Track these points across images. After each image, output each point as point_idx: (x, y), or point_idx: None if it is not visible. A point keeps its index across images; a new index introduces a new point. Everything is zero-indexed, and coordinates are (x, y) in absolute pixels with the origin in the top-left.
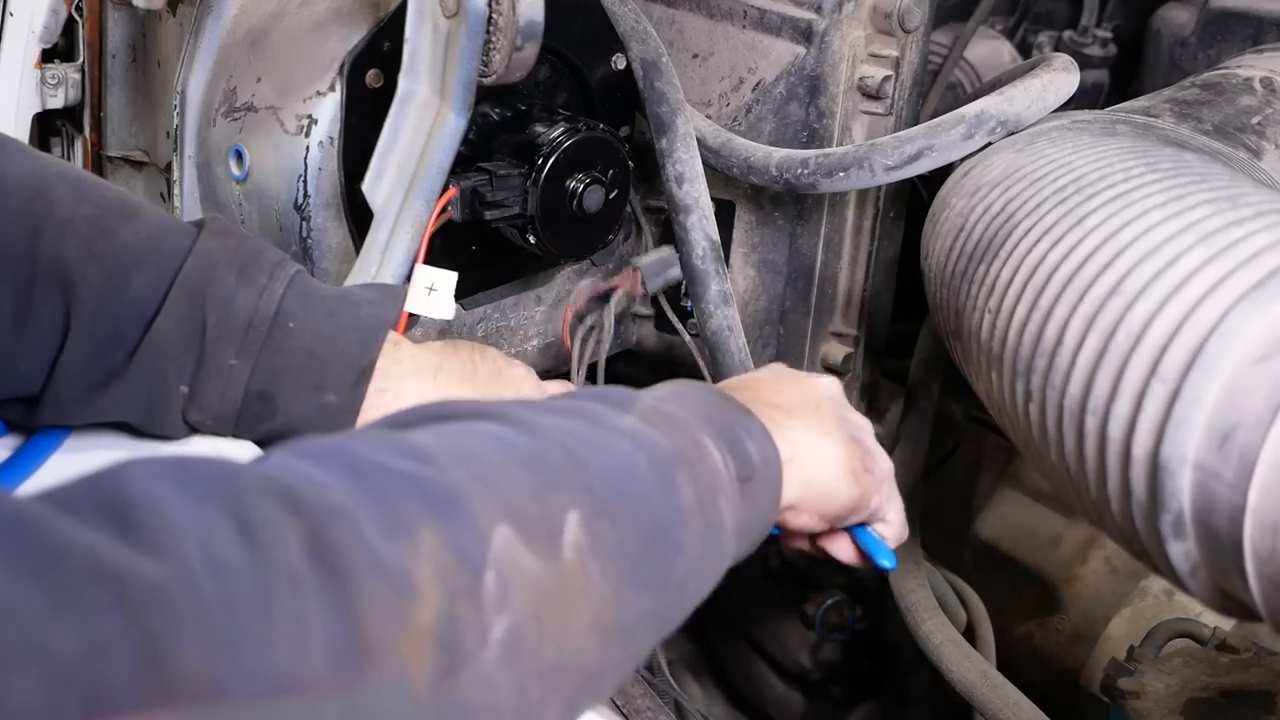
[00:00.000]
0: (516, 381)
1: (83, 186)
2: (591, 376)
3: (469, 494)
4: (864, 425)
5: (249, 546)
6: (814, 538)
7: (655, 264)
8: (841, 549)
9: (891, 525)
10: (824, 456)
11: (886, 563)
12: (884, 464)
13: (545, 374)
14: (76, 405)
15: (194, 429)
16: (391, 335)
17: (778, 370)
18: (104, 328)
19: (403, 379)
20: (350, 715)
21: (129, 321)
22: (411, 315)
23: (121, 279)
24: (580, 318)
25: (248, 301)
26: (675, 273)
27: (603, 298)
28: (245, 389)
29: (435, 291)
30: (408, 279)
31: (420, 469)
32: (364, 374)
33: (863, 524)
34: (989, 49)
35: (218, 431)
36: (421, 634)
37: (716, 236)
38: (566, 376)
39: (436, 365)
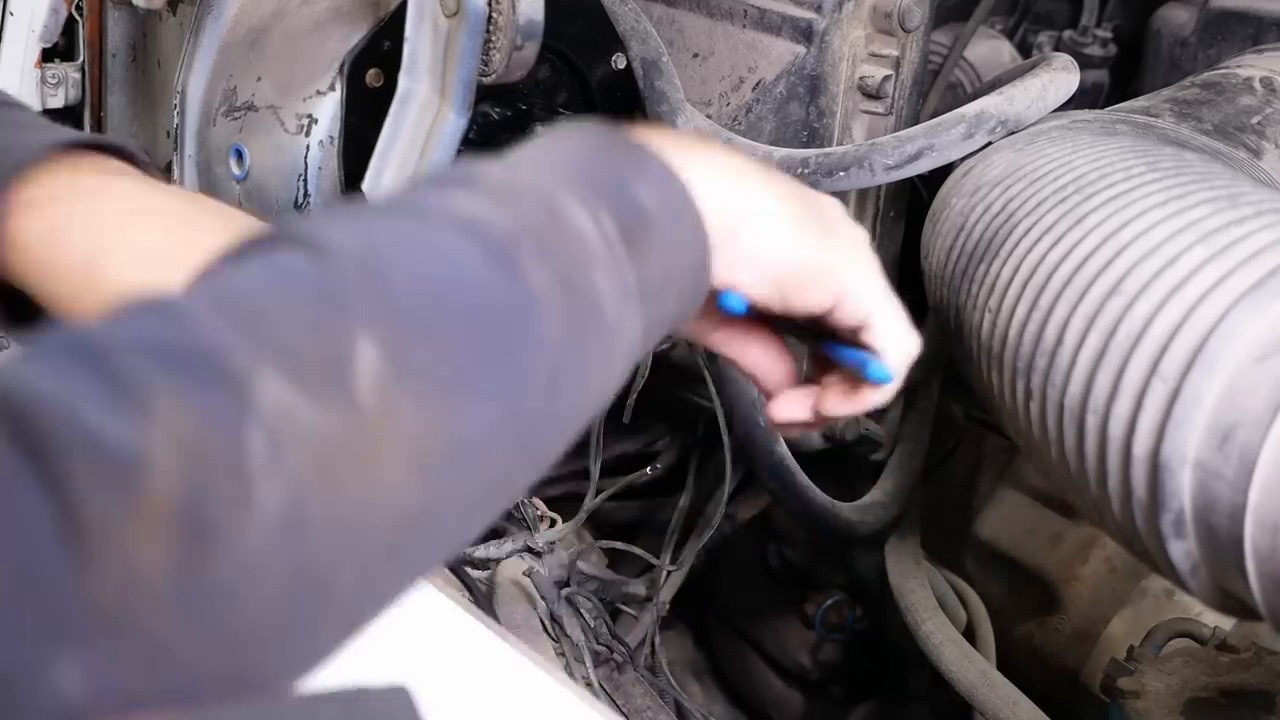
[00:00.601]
0: None
1: None
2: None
3: (224, 347)
4: (831, 201)
5: None
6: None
7: None
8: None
9: (887, 334)
10: (754, 195)
11: (878, 373)
12: (855, 231)
13: None
14: None
15: None
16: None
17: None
18: None
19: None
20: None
21: None
22: None
23: None
24: None
25: None
26: None
27: None
28: None
29: None
30: None
31: (163, 331)
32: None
33: (841, 341)
34: (989, 49)
35: None
36: (156, 515)
37: None
38: None
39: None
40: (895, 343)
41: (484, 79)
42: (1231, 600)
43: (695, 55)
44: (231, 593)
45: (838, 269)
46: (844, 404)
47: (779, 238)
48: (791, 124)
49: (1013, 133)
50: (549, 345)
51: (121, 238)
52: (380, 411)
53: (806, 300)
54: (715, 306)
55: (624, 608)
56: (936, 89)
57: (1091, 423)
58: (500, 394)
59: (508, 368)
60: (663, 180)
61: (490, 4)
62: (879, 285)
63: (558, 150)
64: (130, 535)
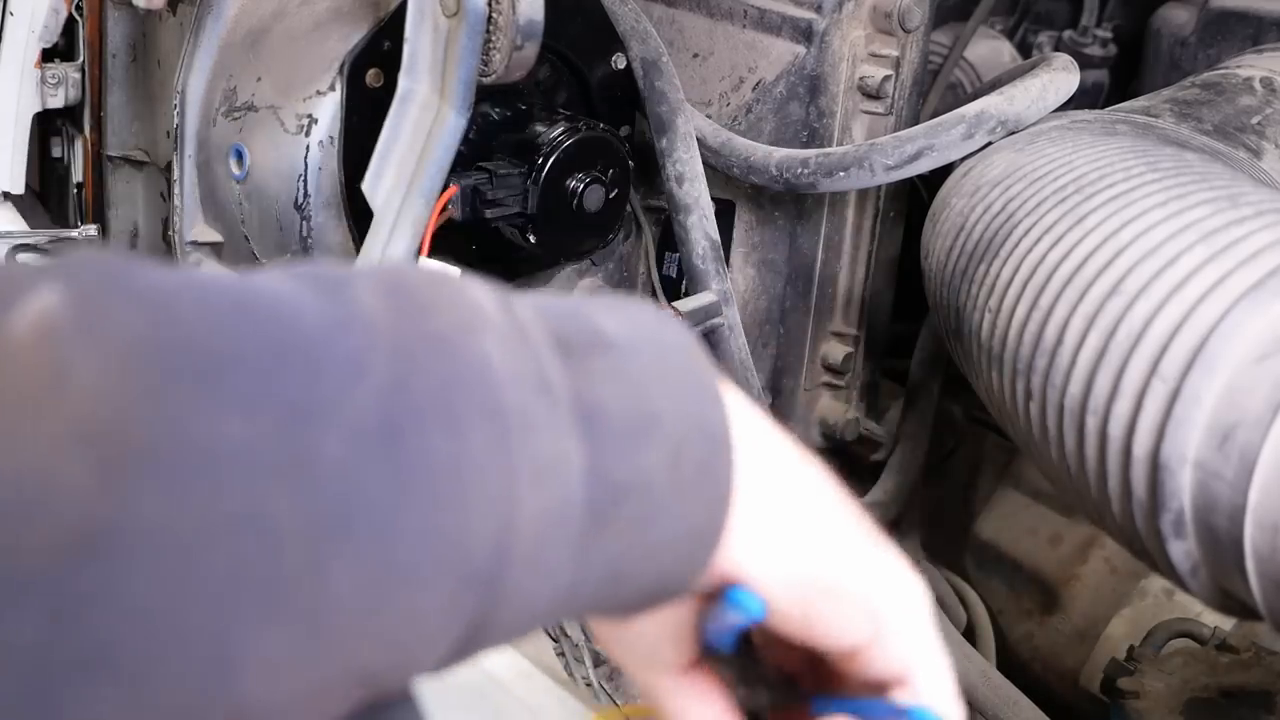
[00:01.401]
0: None
1: None
2: None
3: None
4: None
5: None
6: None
7: (697, 312)
8: None
9: (935, 695)
10: (801, 473)
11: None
12: (903, 561)
13: None
14: None
15: None
16: None
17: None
18: None
19: None
20: None
21: None
22: None
23: None
24: None
25: None
26: (715, 321)
27: None
28: None
29: None
30: None
31: None
32: None
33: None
34: (989, 49)
35: None
36: None
37: (716, 236)
38: None
39: None
40: (943, 706)
41: (484, 79)
42: (1231, 600)
43: (695, 55)
44: None
45: (886, 592)
46: None
47: (824, 525)
48: (791, 124)
49: (1013, 133)
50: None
51: None
52: None
53: (838, 625)
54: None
55: None
56: (936, 89)
57: (1091, 423)
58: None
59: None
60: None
61: (490, 4)
62: (932, 628)
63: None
64: None
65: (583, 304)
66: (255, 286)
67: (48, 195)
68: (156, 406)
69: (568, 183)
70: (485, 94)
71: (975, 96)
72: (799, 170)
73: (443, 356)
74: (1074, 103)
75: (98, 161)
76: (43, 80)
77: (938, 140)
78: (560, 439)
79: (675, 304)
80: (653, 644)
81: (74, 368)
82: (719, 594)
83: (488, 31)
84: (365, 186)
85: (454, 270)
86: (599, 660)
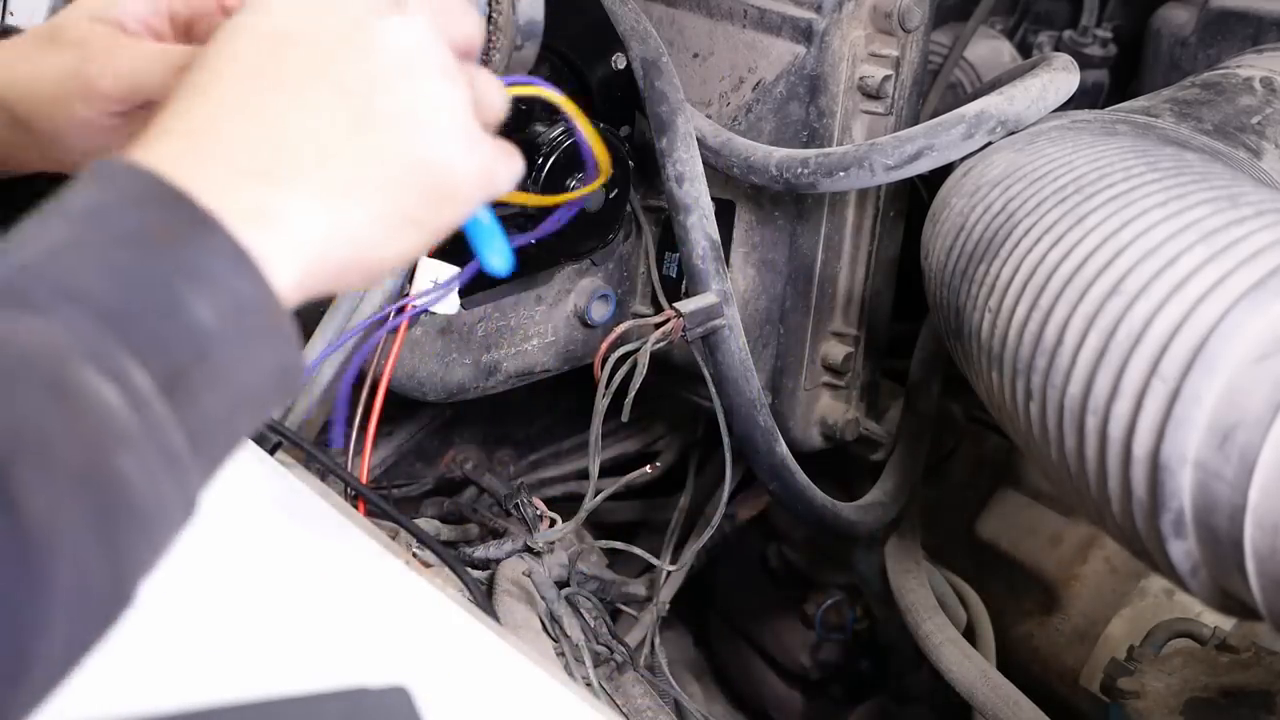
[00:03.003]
0: None
1: None
2: (615, 407)
3: None
4: (430, 65)
5: None
6: None
7: (699, 313)
8: None
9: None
10: (352, 219)
11: (496, 261)
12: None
13: (548, 375)
14: None
15: None
16: None
17: (252, 32)
18: None
19: None
20: None
21: None
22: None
23: None
24: (615, 348)
25: None
26: (717, 323)
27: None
28: None
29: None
30: (410, 275)
31: None
32: None
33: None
34: (989, 49)
35: None
36: None
37: (716, 236)
38: (571, 376)
39: None
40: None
41: None
42: (1231, 600)
43: (695, 55)
44: None
45: (457, 211)
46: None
47: (385, 258)
48: (791, 124)
49: (1013, 133)
50: (61, 587)
51: None
52: None
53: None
54: None
55: (624, 608)
56: (936, 89)
57: (1091, 423)
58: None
59: (15, 654)
60: (232, 272)
61: (490, 4)
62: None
63: (92, 245)
64: None
65: (178, 279)
66: None
67: None
68: None
69: (568, 183)
70: None
71: (975, 96)
72: (799, 170)
73: (106, 479)
74: (1074, 103)
75: None
76: None
77: (938, 140)
78: (179, 479)
79: (676, 304)
80: None
81: None
82: None
83: (488, 31)
84: None
85: (453, 270)
86: (599, 660)
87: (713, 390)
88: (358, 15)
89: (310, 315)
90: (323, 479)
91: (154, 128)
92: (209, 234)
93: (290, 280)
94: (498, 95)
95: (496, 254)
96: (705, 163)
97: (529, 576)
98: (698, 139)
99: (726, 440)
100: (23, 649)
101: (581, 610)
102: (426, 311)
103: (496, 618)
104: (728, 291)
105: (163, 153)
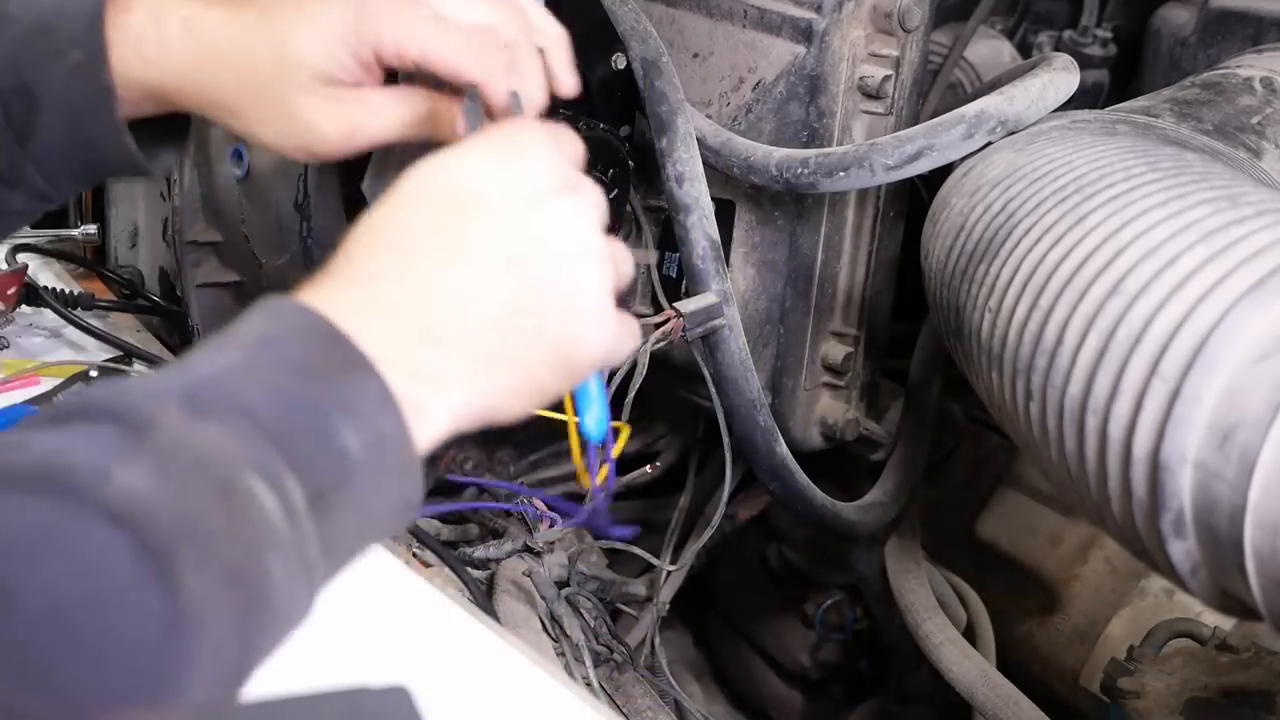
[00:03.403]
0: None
1: None
2: (616, 407)
3: None
4: (582, 242)
5: None
6: None
7: (699, 313)
8: None
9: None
10: (495, 385)
11: (593, 426)
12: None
13: None
14: None
15: None
16: None
17: (433, 191)
18: None
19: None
20: None
21: None
22: None
23: None
24: None
25: None
26: (717, 323)
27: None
28: None
29: None
30: None
31: None
32: (94, 18)
33: None
34: (989, 49)
35: (2, 152)
36: None
37: (716, 236)
38: None
39: None
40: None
41: None
42: (1231, 600)
43: (695, 55)
44: None
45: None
46: None
47: (516, 413)
48: (791, 124)
49: (1013, 133)
50: (200, 662)
51: None
52: None
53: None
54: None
55: (624, 608)
56: (936, 89)
57: (1091, 423)
58: (135, 705)
59: (144, 691)
60: (377, 409)
61: None
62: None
63: (262, 370)
64: None
65: (333, 411)
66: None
67: None
68: None
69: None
70: None
71: (975, 96)
72: (799, 170)
73: (251, 579)
74: (1074, 103)
75: None
76: None
77: (938, 140)
78: (309, 585)
79: (676, 304)
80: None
81: None
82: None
83: None
84: (365, 186)
85: None
86: (599, 660)
87: (713, 390)
88: (537, 193)
89: None
90: None
91: (331, 270)
92: (362, 374)
93: (434, 433)
94: (628, 266)
95: (595, 419)
96: (705, 163)
97: (529, 576)
98: (698, 139)
99: (726, 440)
100: (159, 712)
101: (581, 610)
102: None
103: (496, 618)
104: (728, 291)
105: (333, 294)
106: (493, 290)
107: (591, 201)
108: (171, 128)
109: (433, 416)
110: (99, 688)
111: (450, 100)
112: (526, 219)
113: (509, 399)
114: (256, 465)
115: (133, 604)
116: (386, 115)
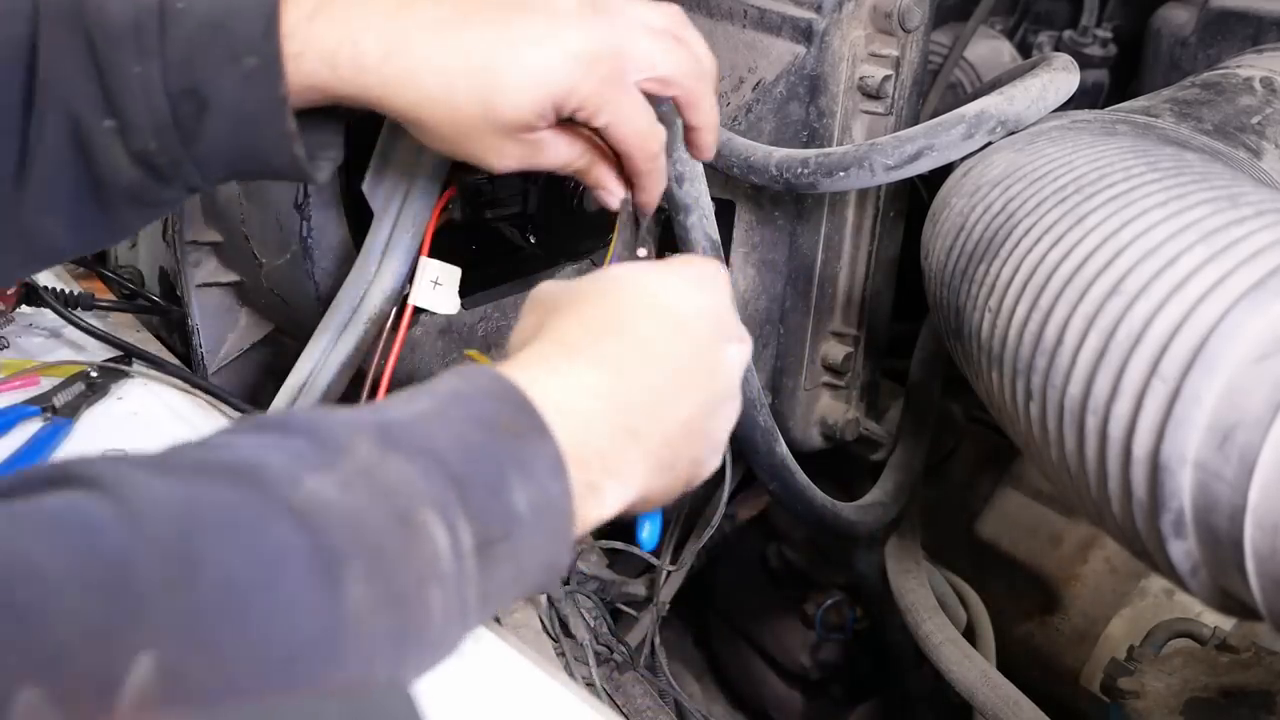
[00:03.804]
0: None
1: None
2: None
3: None
4: (729, 385)
5: None
6: None
7: None
8: None
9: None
10: (649, 487)
11: (647, 537)
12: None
13: None
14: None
15: (142, 160)
16: None
17: (653, 305)
18: None
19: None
20: None
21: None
22: (416, 310)
23: None
24: None
25: (123, 1)
26: None
27: None
28: (165, 93)
29: (440, 286)
30: (411, 275)
31: None
32: (270, 22)
33: None
34: (989, 49)
35: (164, 150)
36: None
37: (716, 236)
38: None
39: None
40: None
41: None
42: (1231, 600)
43: None
44: None
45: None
46: None
47: (657, 501)
48: (791, 124)
49: (1013, 133)
50: (350, 666)
51: None
52: None
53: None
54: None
55: (624, 608)
56: (936, 89)
57: (1091, 423)
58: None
59: (298, 684)
60: (549, 474)
61: None
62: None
63: (451, 420)
64: None
65: (510, 469)
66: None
67: None
68: None
69: (568, 182)
70: None
71: (975, 96)
72: (799, 170)
73: (411, 605)
74: (1074, 103)
75: None
76: None
77: (938, 140)
78: (464, 626)
79: None
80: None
81: None
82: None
83: None
84: (365, 187)
85: (455, 270)
86: (599, 660)
87: None
88: (729, 335)
89: (311, 314)
90: None
91: (532, 347)
92: (541, 438)
93: (601, 516)
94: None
95: (649, 530)
96: (705, 163)
97: None
98: None
99: None
100: (300, 697)
101: (582, 610)
102: (426, 311)
103: (497, 618)
104: None
105: (535, 373)
106: (684, 404)
107: (749, 349)
108: (328, 129)
109: (607, 501)
110: (254, 663)
111: (604, 148)
112: (718, 354)
113: (649, 497)
114: (435, 503)
115: (299, 598)
116: (557, 154)
